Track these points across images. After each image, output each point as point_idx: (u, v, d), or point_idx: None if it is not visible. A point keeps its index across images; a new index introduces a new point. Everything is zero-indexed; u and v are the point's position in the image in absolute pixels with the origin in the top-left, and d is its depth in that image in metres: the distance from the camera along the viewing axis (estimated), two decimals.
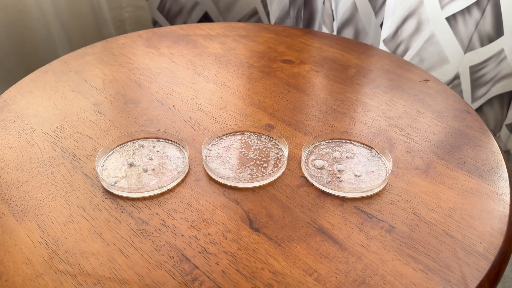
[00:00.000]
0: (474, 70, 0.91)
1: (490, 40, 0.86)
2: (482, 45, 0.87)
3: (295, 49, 0.72)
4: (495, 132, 0.98)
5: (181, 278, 0.36)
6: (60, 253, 0.38)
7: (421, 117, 0.56)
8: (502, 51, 0.86)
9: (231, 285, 0.35)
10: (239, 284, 0.35)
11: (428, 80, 0.63)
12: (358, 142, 0.51)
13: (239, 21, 1.17)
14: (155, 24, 1.23)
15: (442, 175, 0.47)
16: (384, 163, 0.48)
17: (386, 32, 0.93)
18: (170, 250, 0.38)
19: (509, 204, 0.43)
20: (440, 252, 0.38)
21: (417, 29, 0.89)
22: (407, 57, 0.93)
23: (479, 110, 0.98)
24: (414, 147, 0.51)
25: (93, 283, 0.35)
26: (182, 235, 0.39)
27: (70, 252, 0.38)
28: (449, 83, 0.93)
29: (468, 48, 0.88)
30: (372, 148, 0.50)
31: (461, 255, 0.38)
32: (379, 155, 0.49)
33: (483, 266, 0.37)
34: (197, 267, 0.37)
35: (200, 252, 0.38)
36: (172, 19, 1.21)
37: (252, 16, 1.17)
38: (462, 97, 0.93)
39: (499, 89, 0.93)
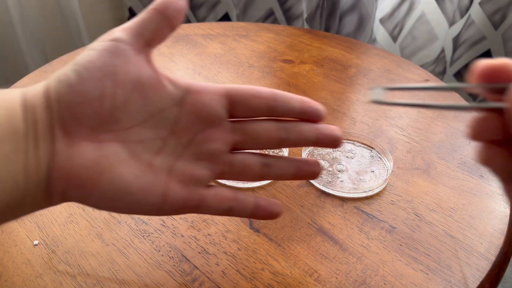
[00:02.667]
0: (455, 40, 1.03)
1: (467, 10, 0.95)
2: (462, 16, 0.96)
3: (295, 49, 0.72)
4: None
5: (181, 279, 0.36)
6: (59, 254, 0.38)
7: (421, 117, 0.56)
8: (469, 16, 0.98)
9: (231, 286, 0.35)
10: (239, 285, 0.35)
11: (428, 80, 0.63)
12: (358, 142, 0.51)
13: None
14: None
15: (443, 175, 0.47)
16: (384, 163, 0.48)
17: (382, 11, 0.98)
18: (170, 251, 0.38)
19: (509, 204, 0.43)
20: (440, 253, 0.38)
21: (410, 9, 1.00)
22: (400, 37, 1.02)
23: (457, 75, 1.10)
24: (415, 147, 0.50)
25: (93, 283, 0.35)
26: (182, 236, 0.39)
27: (69, 253, 0.38)
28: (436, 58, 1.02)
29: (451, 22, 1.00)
30: (372, 148, 0.50)
31: (462, 255, 0.38)
32: (379, 155, 0.49)
33: (484, 267, 0.37)
34: (197, 268, 0.37)
35: (200, 253, 0.38)
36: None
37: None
38: (445, 67, 1.02)
39: (472, 54, 1.02)
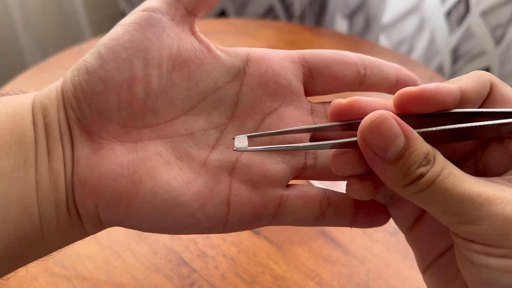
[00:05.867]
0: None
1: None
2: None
3: (295, 46, 0.71)
4: None
5: (179, 282, 0.35)
6: (55, 256, 0.37)
7: None
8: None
9: None
10: None
11: (431, 80, 0.62)
12: None
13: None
14: None
15: None
16: None
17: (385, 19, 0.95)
18: (168, 253, 0.37)
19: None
20: None
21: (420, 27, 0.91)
22: None
23: None
24: None
25: (89, 286, 0.34)
26: (180, 238, 0.39)
27: (65, 255, 0.37)
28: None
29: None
30: None
31: None
32: None
33: None
34: (196, 271, 0.36)
35: (198, 255, 0.37)
36: None
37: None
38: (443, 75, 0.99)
39: (472, 67, 0.98)
